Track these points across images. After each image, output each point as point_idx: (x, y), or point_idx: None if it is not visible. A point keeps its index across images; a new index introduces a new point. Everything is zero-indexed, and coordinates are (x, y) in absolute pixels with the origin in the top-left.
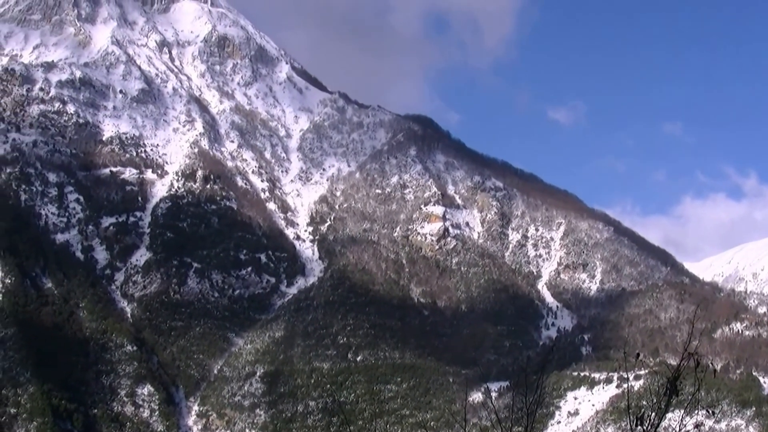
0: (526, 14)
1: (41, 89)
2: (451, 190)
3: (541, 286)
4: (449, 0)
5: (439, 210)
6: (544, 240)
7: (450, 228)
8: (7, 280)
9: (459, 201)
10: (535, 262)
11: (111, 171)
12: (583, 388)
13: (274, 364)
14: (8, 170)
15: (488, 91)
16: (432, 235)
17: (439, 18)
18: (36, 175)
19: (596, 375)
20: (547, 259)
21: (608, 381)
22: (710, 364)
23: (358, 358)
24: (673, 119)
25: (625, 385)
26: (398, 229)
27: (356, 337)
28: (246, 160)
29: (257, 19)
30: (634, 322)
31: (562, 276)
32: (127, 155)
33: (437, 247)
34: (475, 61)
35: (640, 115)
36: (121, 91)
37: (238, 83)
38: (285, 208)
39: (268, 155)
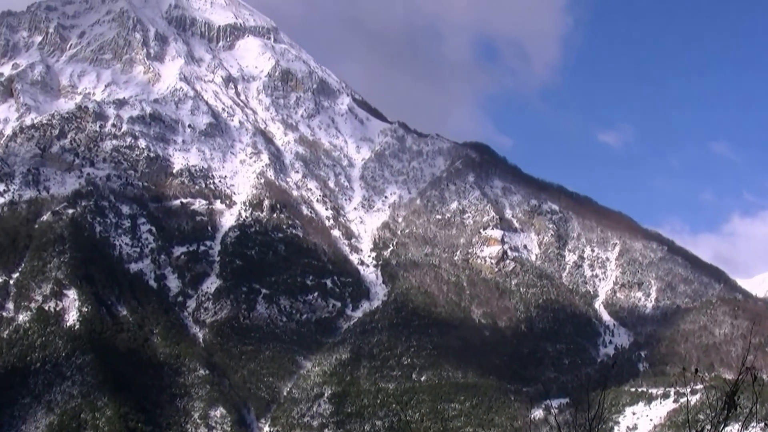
0: (572, 40)
1: (113, 125)
2: (508, 214)
3: (598, 304)
4: (497, 27)
5: (497, 233)
6: (599, 260)
7: (508, 251)
8: (84, 309)
9: (516, 224)
10: (591, 282)
11: (181, 202)
12: (641, 404)
13: (341, 385)
14: (83, 203)
15: (538, 116)
16: (491, 258)
17: (488, 45)
18: (110, 208)
19: (653, 390)
20: (603, 278)
21: (665, 396)
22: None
23: (422, 378)
24: (720, 139)
25: (683, 400)
26: (458, 252)
27: (420, 357)
28: (311, 189)
29: (318, 53)
30: (690, 338)
31: (618, 295)
32: (197, 187)
33: (496, 269)
34: (523, 87)
35: (687, 135)
36: (189, 126)
37: (302, 115)
38: (349, 234)
39: (331, 184)
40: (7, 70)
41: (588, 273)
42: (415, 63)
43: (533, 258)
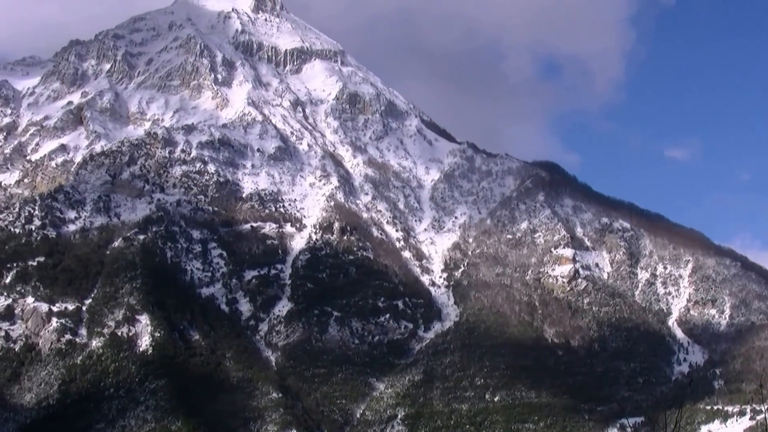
0: (635, 55)
1: (182, 151)
2: (579, 232)
3: (672, 322)
4: (558, 45)
5: (568, 252)
6: (672, 278)
7: (580, 269)
8: (157, 334)
9: (588, 243)
10: (664, 300)
11: (252, 226)
12: (716, 422)
13: (414, 407)
14: (154, 229)
15: (603, 133)
16: (563, 277)
17: (550, 63)
18: (181, 233)
19: (729, 408)
20: (676, 296)
21: (741, 413)
22: None
23: (496, 399)
24: None
25: (759, 417)
26: (529, 272)
27: (492, 378)
28: (380, 211)
29: (382, 75)
30: (765, 355)
31: (692, 312)
32: (267, 210)
33: (568, 288)
34: (587, 103)
35: (755, 147)
36: (258, 150)
37: (370, 137)
38: (420, 255)
39: (401, 205)
40: (76, 98)
41: (661, 290)
42: (476, 83)
43: (605, 276)
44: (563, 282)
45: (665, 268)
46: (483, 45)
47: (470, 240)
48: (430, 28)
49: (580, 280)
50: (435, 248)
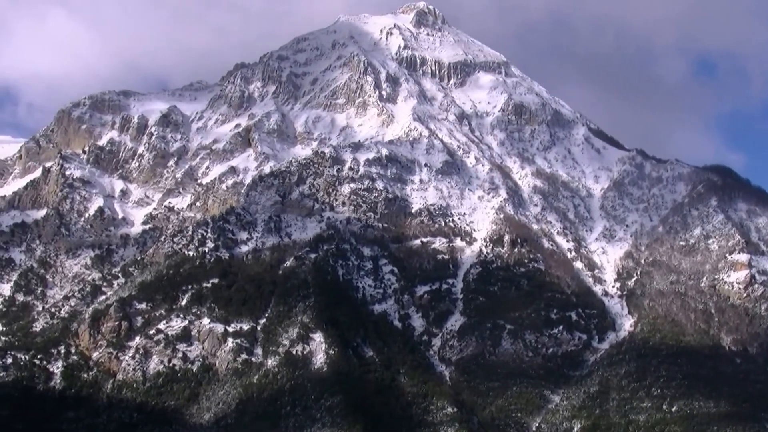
0: None
1: (350, 168)
2: (754, 237)
3: None
4: (710, 44)
5: (744, 258)
6: None
7: (756, 275)
8: (331, 351)
9: (764, 247)
10: None
11: (422, 241)
12: None
13: (591, 419)
14: (325, 247)
15: (764, 133)
16: (739, 283)
17: (704, 63)
18: (351, 250)
19: None
20: None
21: None
22: None
23: (673, 409)
24: None
25: None
26: (704, 279)
27: (670, 388)
28: (550, 222)
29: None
30: None
31: None
32: (436, 225)
33: (745, 294)
34: (746, 102)
35: None
36: (426, 165)
37: (537, 148)
38: (592, 265)
39: (571, 216)
40: (243, 120)
41: None
42: (632, 87)
43: None
44: (739, 288)
45: None
46: (634, 46)
47: (642, 248)
48: (582, 33)
49: (756, 285)
50: (607, 257)
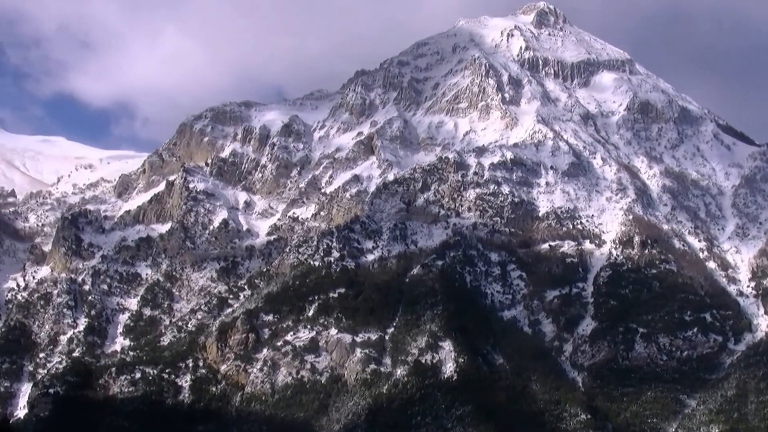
0: None
1: (475, 173)
2: None
3: None
4: None
5: None
6: None
7: None
8: (461, 359)
9: None
10: None
11: (550, 245)
12: None
13: (729, 423)
14: (452, 254)
15: None
16: None
17: None
18: (478, 256)
19: None
20: None
21: None
22: None
23: None
24: None
25: None
26: None
27: None
28: (681, 222)
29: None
30: None
31: None
32: (564, 228)
33: None
34: None
35: None
36: (551, 167)
37: (665, 146)
38: (725, 265)
39: (702, 214)
40: (366, 128)
41: None
42: (755, 81)
43: None
44: None
45: None
46: (754, 38)
47: None
48: (703, 25)
49: None
50: (740, 257)
